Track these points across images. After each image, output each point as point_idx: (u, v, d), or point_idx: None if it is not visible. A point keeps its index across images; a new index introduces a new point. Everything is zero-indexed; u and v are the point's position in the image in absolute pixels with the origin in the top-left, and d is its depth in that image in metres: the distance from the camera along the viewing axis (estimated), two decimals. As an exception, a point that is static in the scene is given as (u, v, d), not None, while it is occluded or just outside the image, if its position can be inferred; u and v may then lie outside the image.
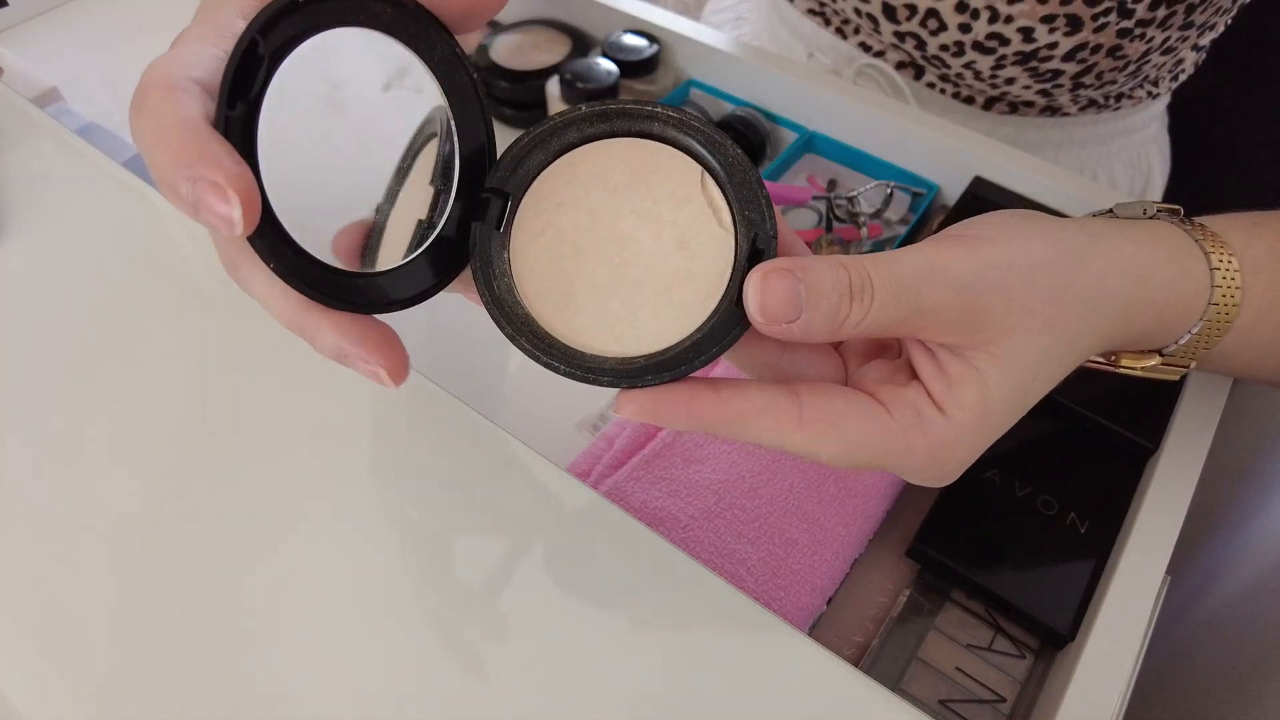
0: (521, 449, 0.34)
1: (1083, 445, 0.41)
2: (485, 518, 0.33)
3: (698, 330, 0.26)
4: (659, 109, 0.27)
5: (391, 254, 0.27)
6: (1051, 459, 0.40)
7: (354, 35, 0.25)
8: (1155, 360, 0.33)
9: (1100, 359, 0.33)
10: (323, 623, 0.31)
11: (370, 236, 0.27)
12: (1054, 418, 0.42)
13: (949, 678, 0.36)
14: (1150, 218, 0.33)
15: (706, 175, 0.27)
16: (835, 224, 0.52)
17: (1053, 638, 0.36)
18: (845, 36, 0.62)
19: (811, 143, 0.56)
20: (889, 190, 0.52)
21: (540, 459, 0.34)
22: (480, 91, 0.27)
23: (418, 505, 0.34)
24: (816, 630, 0.38)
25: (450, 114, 0.27)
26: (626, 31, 0.58)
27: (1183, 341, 0.32)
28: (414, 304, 0.27)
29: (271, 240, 0.24)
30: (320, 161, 0.26)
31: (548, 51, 0.60)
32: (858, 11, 0.58)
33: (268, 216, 0.23)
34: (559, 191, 0.27)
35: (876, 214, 0.52)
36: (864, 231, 0.51)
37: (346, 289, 0.26)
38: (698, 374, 0.25)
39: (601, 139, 0.27)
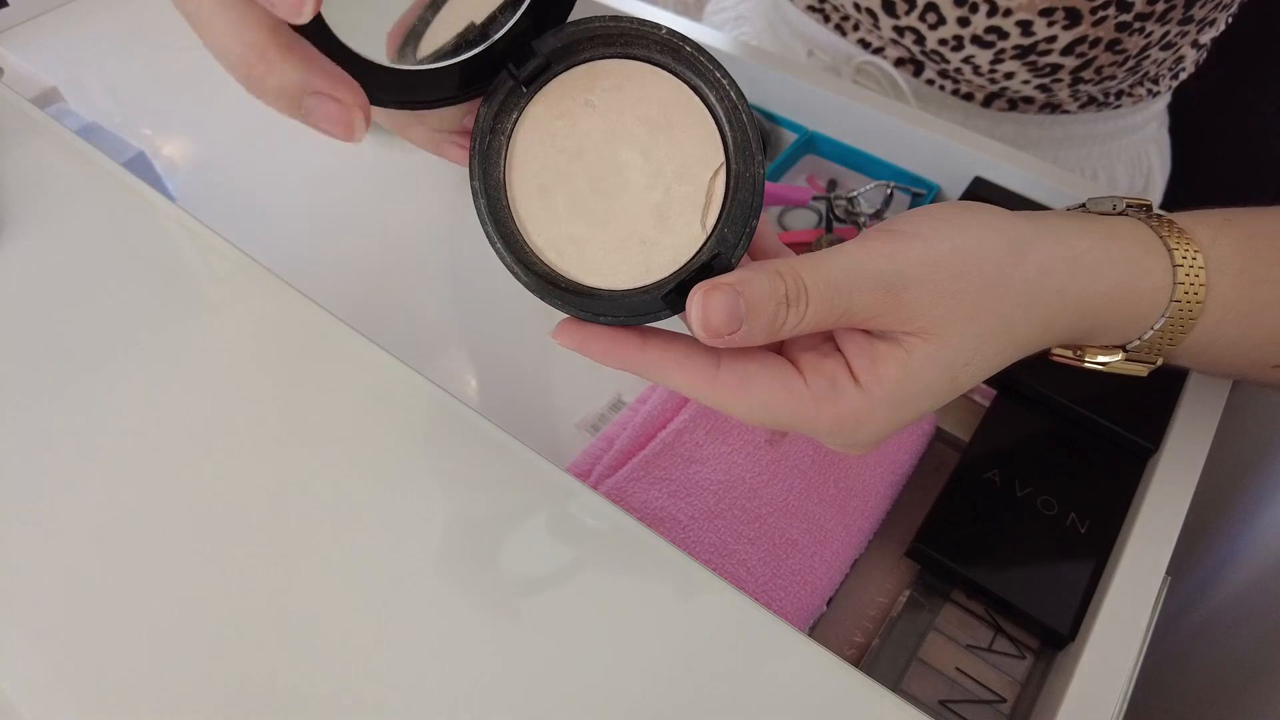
0: (521, 449, 0.34)
1: (1083, 445, 0.41)
2: (485, 518, 0.33)
3: (625, 292, 0.26)
4: (729, 82, 0.26)
5: (429, 46, 0.26)
6: (1051, 459, 0.40)
7: None
8: (1120, 356, 0.33)
9: (1066, 353, 0.33)
10: (322, 623, 0.31)
11: (418, 24, 0.26)
12: (1054, 418, 0.42)
13: (949, 678, 0.36)
14: (1119, 213, 0.33)
15: (722, 170, 0.27)
16: (835, 224, 0.52)
17: (1053, 638, 0.36)
18: (844, 33, 0.62)
19: (811, 143, 0.56)
20: (889, 190, 0.52)
21: (540, 459, 0.34)
22: None
23: (417, 505, 0.34)
24: (816, 630, 0.38)
25: None
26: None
27: (1146, 337, 0.32)
28: (419, 107, 0.26)
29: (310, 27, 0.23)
30: None
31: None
32: (857, 7, 0.58)
33: None
34: (595, 91, 0.27)
35: (876, 214, 0.52)
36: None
37: (363, 72, 0.24)
38: None
39: (661, 69, 0.27)
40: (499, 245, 0.26)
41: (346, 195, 0.57)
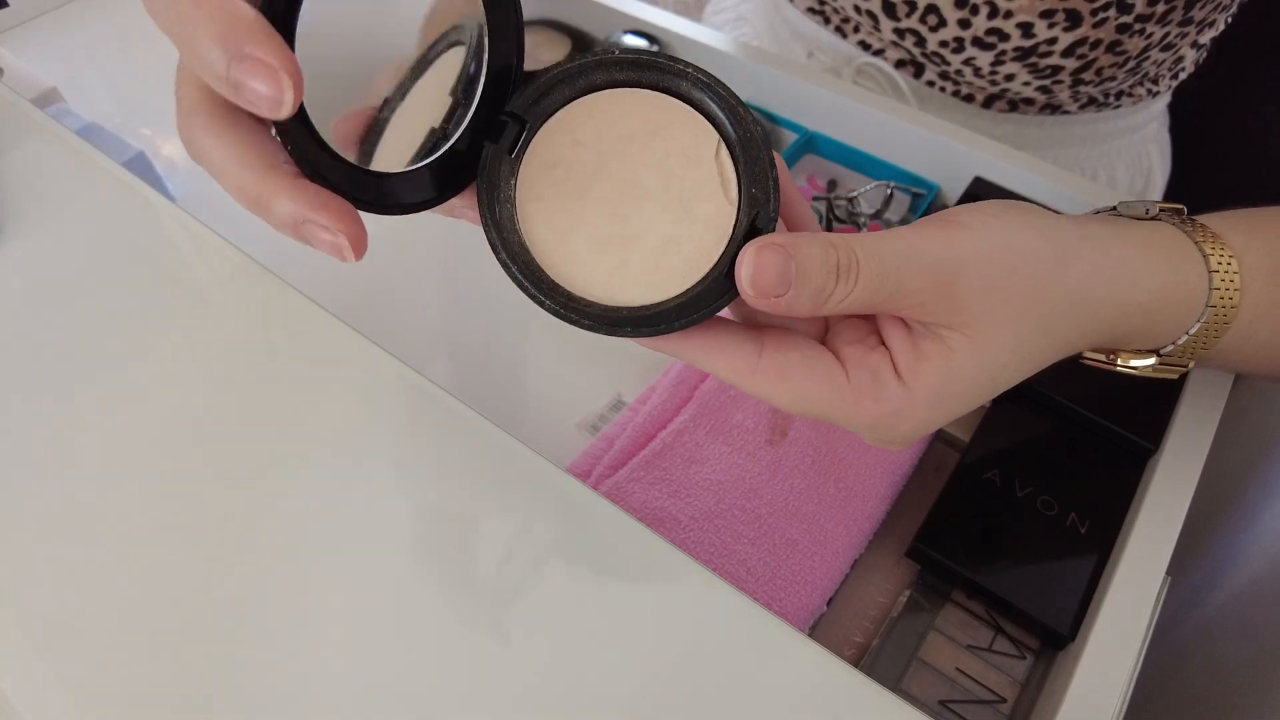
0: (521, 449, 0.34)
1: (1083, 445, 0.41)
2: (485, 518, 0.33)
3: (685, 293, 0.26)
4: (691, 69, 0.27)
5: (394, 156, 0.26)
6: (1051, 459, 0.40)
7: None
8: (1153, 360, 0.33)
9: (1099, 357, 0.33)
10: (321, 623, 0.31)
11: (372, 131, 0.26)
12: (1054, 418, 0.42)
13: (949, 678, 0.36)
14: (1152, 217, 0.33)
15: (722, 145, 0.27)
16: (835, 224, 0.52)
17: (1053, 638, 0.36)
18: (845, 35, 0.62)
19: (811, 143, 0.56)
20: (889, 191, 0.52)
21: (540, 459, 0.34)
22: (520, 13, 0.27)
23: (417, 505, 0.34)
24: (816, 630, 0.38)
25: (486, 28, 0.26)
26: (626, 32, 0.58)
27: (1180, 343, 0.32)
28: (411, 211, 0.27)
29: (291, 123, 0.24)
30: (345, 52, 0.25)
31: (548, 52, 0.60)
32: (857, 9, 0.58)
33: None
34: (577, 130, 0.27)
35: (876, 214, 0.52)
36: (864, 232, 0.51)
37: (347, 181, 0.25)
38: None
39: (628, 87, 0.27)
40: (550, 306, 0.26)
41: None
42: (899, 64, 0.61)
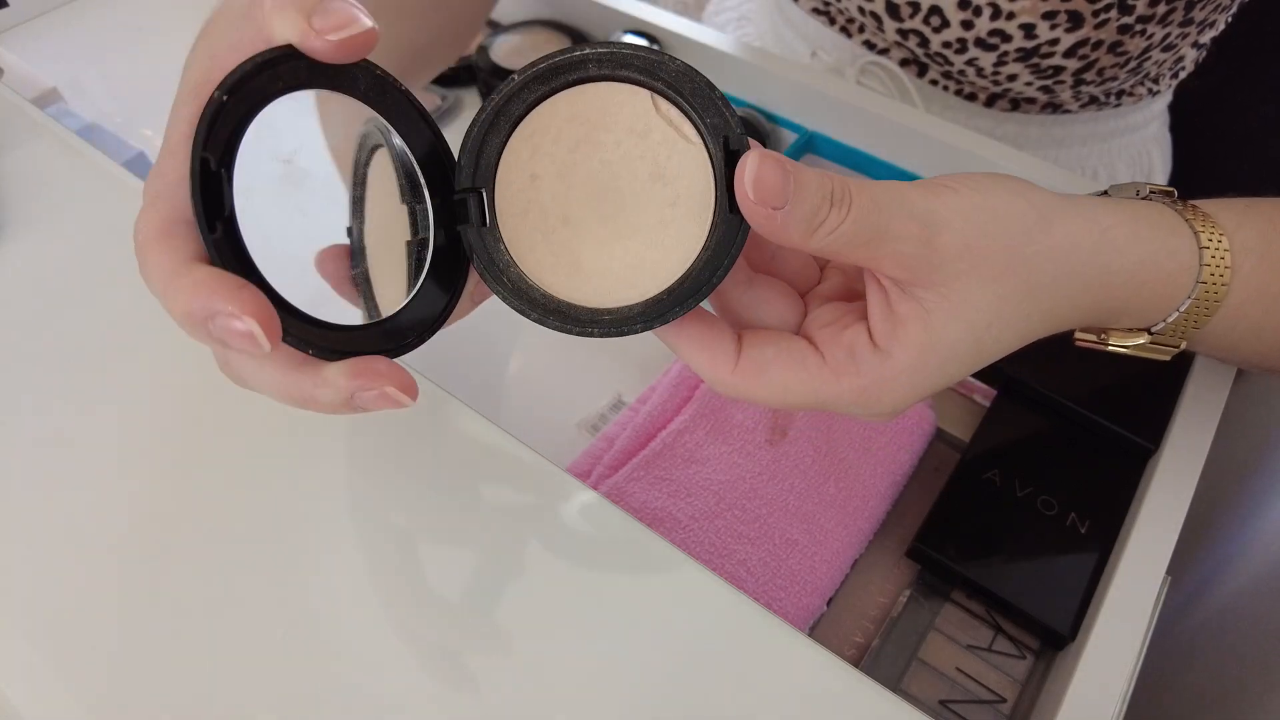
0: (521, 449, 0.34)
1: (1083, 445, 0.41)
2: (485, 518, 0.33)
3: (704, 250, 0.26)
4: (588, 51, 0.26)
5: (393, 290, 0.27)
6: (1051, 459, 0.40)
7: (283, 106, 0.24)
8: (1144, 339, 0.32)
9: (1090, 336, 0.33)
10: (321, 622, 0.31)
11: (361, 286, 0.27)
12: (1054, 418, 0.42)
13: (949, 678, 0.36)
14: (1143, 198, 0.33)
15: (657, 97, 0.27)
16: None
17: (1053, 638, 0.36)
18: (849, 35, 0.62)
19: (811, 143, 0.56)
20: (889, 190, 0.52)
21: (540, 459, 0.34)
22: (415, 100, 0.27)
23: (417, 505, 0.34)
24: (816, 630, 0.38)
25: (391, 130, 0.27)
26: (626, 32, 0.58)
27: (1171, 319, 0.32)
28: (439, 327, 0.28)
29: (294, 326, 0.24)
30: (303, 230, 0.26)
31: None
32: (861, 10, 0.58)
33: (281, 305, 0.24)
34: (526, 166, 0.27)
35: (877, 214, 0.52)
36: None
37: (373, 340, 0.26)
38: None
39: (546, 99, 0.27)
40: (600, 332, 0.26)
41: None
42: (902, 64, 0.61)
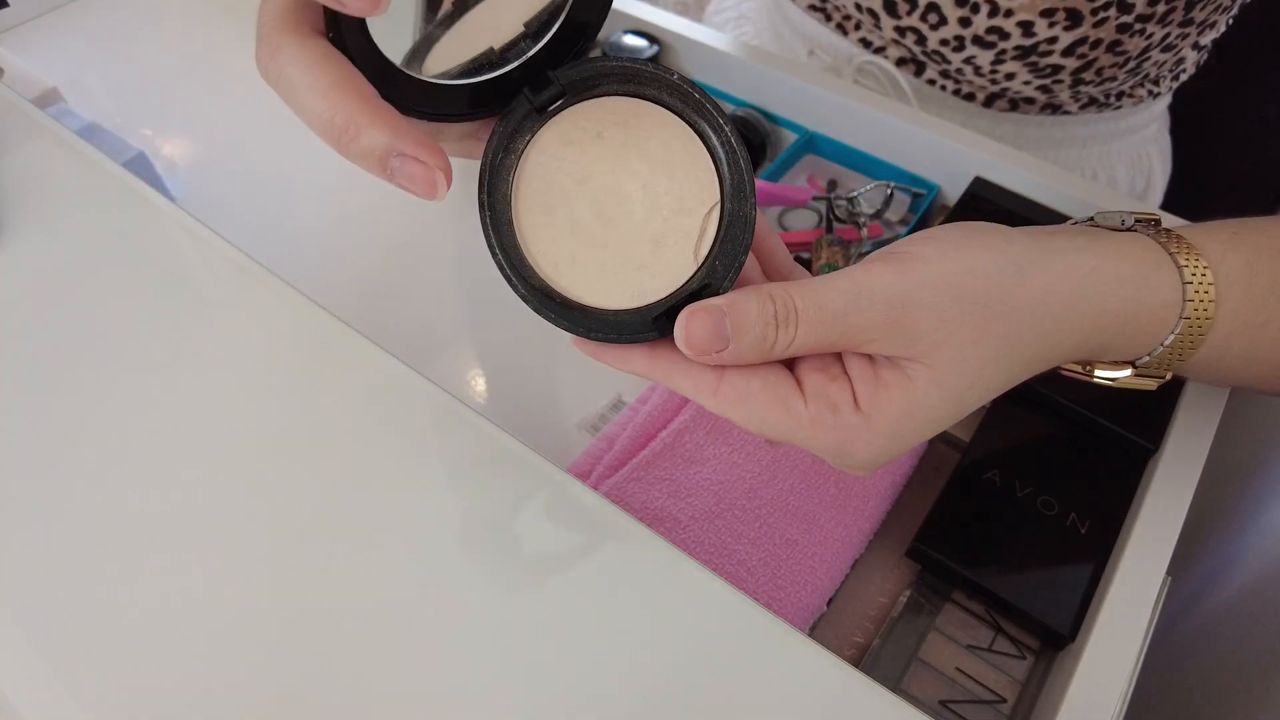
0: (521, 449, 0.34)
1: (1083, 445, 0.41)
2: (485, 518, 0.33)
3: (617, 313, 0.28)
4: (729, 126, 0.28)
5: (442, 61, 0.27)
6: (1051, 459, 0.40)
7: None
8: (1128, 372, 0.33)
9: (1076, 368, 0.33)
10: (320, 623, 0.31)
11: (429, 26, 0.27)
12: (1054, 418, 0.42)
13: (949, 678, 0.36)
14: (1127, 229, 0.33)
15: (717, 209, 0.28)
16: (835, 225, 0.52)
17: (1053, 638, 0.36)
18: (846, 33, 0.62)
19: (811, 143, 0.56)
20: (889, 191, 0.52)
21: (541, 459, 0.34)
22: None
23: (417, 505, 0.34)
24: (816, 630, 0.38)
25: None
26: (626, 32, 0.58)
27: (1155, 354, 0.32)
28: (434, 119, 0.28)
29: (344, 20, 0.24)
30: None
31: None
32: (859, 7, 0.58)
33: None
34: (605, 124, 0.28)
35: (877, 214, 0.52)
36: (864, 232, 0.51)
37: (389, 80, 0.26)
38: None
39: (668, 110, 0.29)
40: (500, 257, 0.27)
41: (347, 195, 0.57)
42: (900, 62, 0.61)
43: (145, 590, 0.32)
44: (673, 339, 0.27)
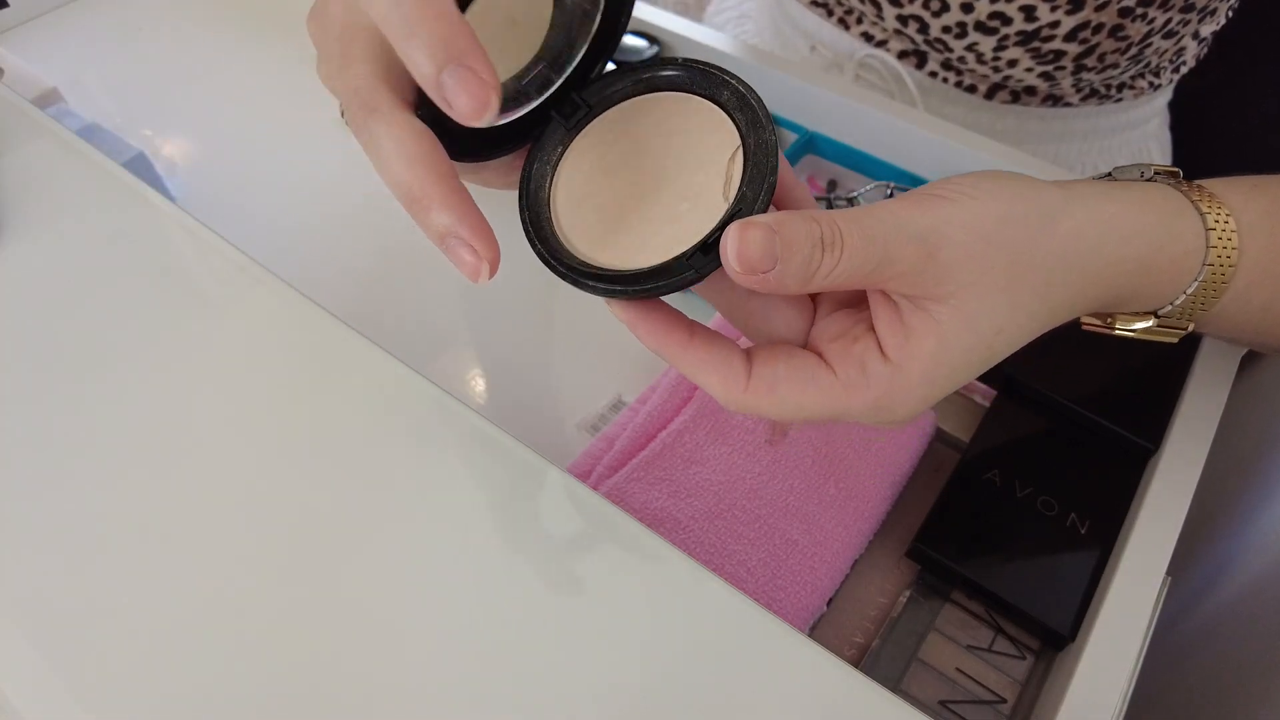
0: (522, 449, 0.34)
1: (1083, 445, 0.41)
2: (485, 518, 0.33)
3: (652, 268, 0.28)
4: (731, 77, 0.30)
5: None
6: (1051, 459, 0.40)
7: None
8: (1151, 322, 0.32)
9: (1096, 321, 0.33)
10: (320, 623, 0.31)
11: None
12: (1054, 418, 0.42)
13: (949, 678, 0.36)
14: (1147, 180, 0.33)
15: (739, 152, 0.29)
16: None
17: (1053, 639, 0.36)
18: (848, 27, 0.62)
19: (812, 143, 0.56)
20: (889, 191, 0.52)
21: (541, 459, 0.34)
22: (626, 17, 0.30)
23: (417, 505, 0.34)
24: (816, 631, 0.38)
25: (601, 12, 0.29)
26: (626, 32, 0.58)
27: (1178, 302, 0.31)
28: (484, 159, 0.30)
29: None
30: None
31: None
32: None
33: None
34: (628, 120, 0.31)
35: (877, 214, 0.52)
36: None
37: (453, 136, 0.28)
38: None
39: (680, 90, 0.30)
40: (538, 246, 0.29)
41: (346, 195, 0.57)
42: (901, 55, 0.61)
43: (146, 590, 0.32)
44: (709, 293, 0.28)
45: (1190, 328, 0.32)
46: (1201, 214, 0.31)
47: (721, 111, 0.29)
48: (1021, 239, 0.28)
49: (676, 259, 0.27)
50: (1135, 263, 0.30)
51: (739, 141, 0.29)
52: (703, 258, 0.27)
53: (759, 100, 0.29)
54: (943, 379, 0.27)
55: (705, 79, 0.30)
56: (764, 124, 0.28)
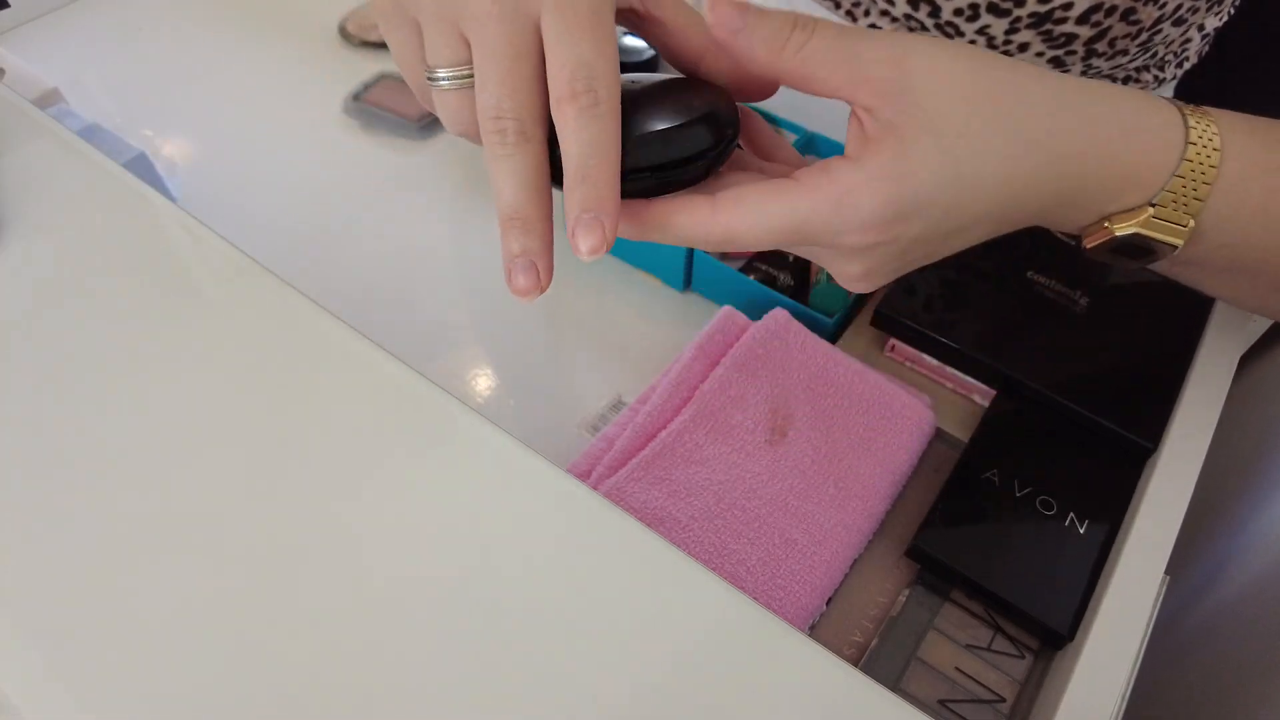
0: (521, 449, 0.34)
1: (1082, 445, 0.41)
2: (485, 518, 0.33)
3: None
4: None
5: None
6: (1051, 459, 0.41)
7: None
8: (1148, 212, 0.31)
9: (1093, 226, 0.33)
10: (320, 623, 0.31)
11: None
12: (1054, 418, 0.42)
13: (948, 678, 0.36)
14: None
15: None
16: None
17: (1052, 638, 0.36)
18: (855, 20, 0.62)
19: (811, 143, 0.56)
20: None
21: (540, 459, 0.34)
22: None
23: (417, 505, 0.34)
24: (816, 630, 0.38)
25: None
26: (626, 33, 0.58)
27: (1169, 186, 0.31)
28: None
29: None
30: None
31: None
32: None
33: None
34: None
35: (876, 214, 0.52)
36: None
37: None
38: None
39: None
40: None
41: (347, 196, 0.57)
42: None
43: (146, 590, 0.32)
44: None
45: (1190, 224, 0.32)
46: (1176, 106, 0.32)
47: None
48: (986, 59, 0.29)
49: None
50: (1116, 124, 0.30)
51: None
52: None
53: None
54: (905, 178, 0.28)
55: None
56: None
